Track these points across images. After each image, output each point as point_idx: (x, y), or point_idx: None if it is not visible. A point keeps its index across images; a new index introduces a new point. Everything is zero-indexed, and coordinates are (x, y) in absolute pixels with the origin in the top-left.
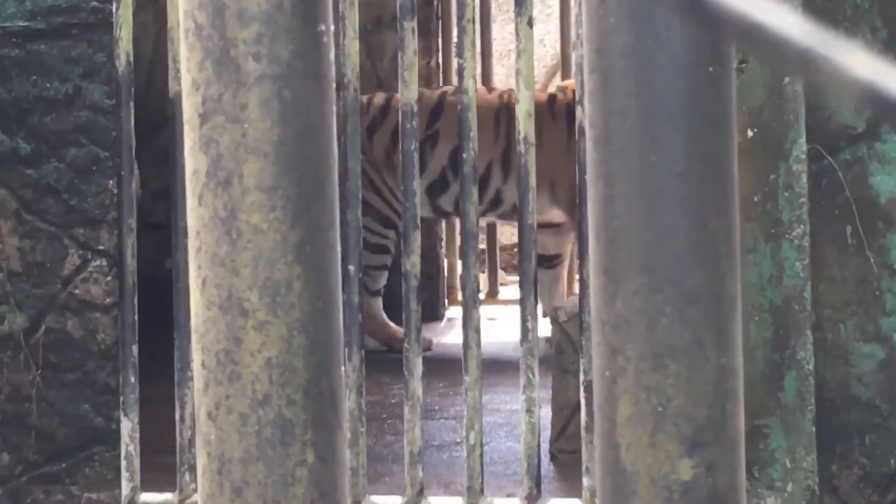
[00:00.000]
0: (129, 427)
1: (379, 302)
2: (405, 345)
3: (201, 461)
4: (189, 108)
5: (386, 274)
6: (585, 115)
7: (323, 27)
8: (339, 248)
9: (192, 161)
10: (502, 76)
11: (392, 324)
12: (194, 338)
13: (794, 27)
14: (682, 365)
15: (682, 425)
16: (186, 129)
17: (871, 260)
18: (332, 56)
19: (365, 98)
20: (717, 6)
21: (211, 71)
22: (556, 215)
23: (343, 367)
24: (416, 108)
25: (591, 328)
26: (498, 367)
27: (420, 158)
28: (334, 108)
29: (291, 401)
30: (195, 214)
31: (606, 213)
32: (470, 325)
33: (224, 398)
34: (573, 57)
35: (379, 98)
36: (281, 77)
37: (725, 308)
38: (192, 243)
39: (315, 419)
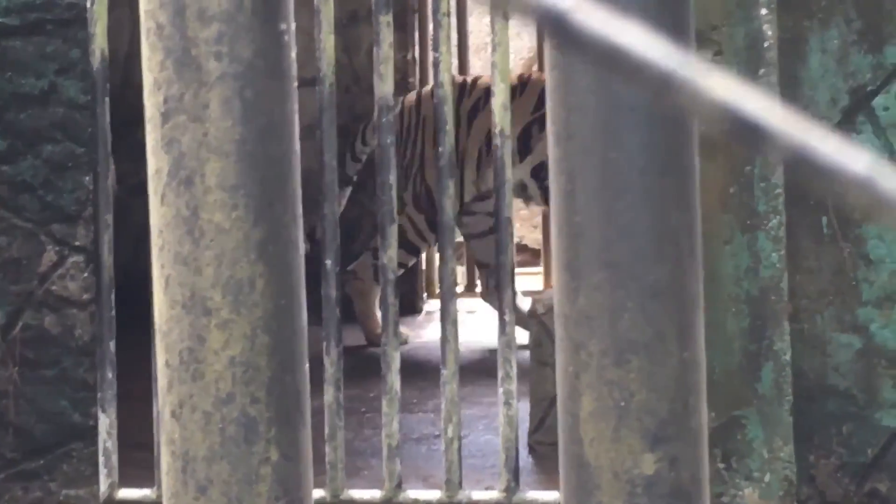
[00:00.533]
0: (106, 423)
1: (378, 291)
2: (383, 339)
3: (165, 459)
4: (151, 108)
5: (401, 272)
6: (548, 111)
7: (284, 26)
8: (302, 246)
9: (154, 160)
10: (479, 69)
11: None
12: (158, 336)
13: (655, 50)
14: (645, 360)
15: (645, 420)
16: (148, 128)
17: (847, 250)
18: (293, 55)
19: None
20: (578, 30)
21: (172, 70)
22: None
23: (306, 365)
24: (391, 103)
25: (555, 324)
26: (476, 361)
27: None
28: (296, 107)
29: (255, 399)
30: (157, 213)
31: (568, 208)
32: (448, 318)
33: (188, 397)
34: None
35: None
36: (242, 76)
37: (688, 303)
38: (154, 242)
39: (279, 417)
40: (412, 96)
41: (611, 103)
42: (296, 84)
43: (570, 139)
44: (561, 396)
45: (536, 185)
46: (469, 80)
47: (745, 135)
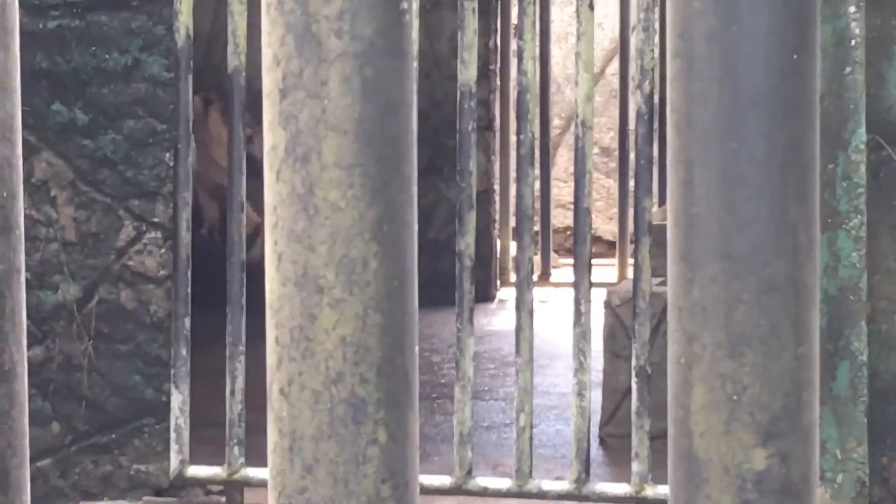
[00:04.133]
0: (179, 400)
1: None
2: (457, 325)
3: (272, 438)
4: (269, 83)
5: None
6: (668, 99)
7: (405, 5)
8: (416, 227)
9: (271, 136)
10: (559, 58)
11: None
12: (268, 314)
13: None
14: (759, 353)
15: (757, 414)
16: (266, 104)
17: None
18: (414, 34)
19: None
20: None
21: (292, 46)
22: None
23: (416, 347)
24: (474, 89)
25: (668, 315)
26: (549, 350)
27: None
28: (415, 87)
29: (364, 379)
30: (272, 190)
31: (686, 199)
32: (523, 307)
33: (297, 375)
34: (632, 41)
35: None
36: (363, 54)
37: (803, 297)
38: (268, 219)
39: (388, 398)
40: None
41: (733, 94)
42: (415, 63)
43: (690, 128)
44: (672, 388)
45: None
46: None
47: None
